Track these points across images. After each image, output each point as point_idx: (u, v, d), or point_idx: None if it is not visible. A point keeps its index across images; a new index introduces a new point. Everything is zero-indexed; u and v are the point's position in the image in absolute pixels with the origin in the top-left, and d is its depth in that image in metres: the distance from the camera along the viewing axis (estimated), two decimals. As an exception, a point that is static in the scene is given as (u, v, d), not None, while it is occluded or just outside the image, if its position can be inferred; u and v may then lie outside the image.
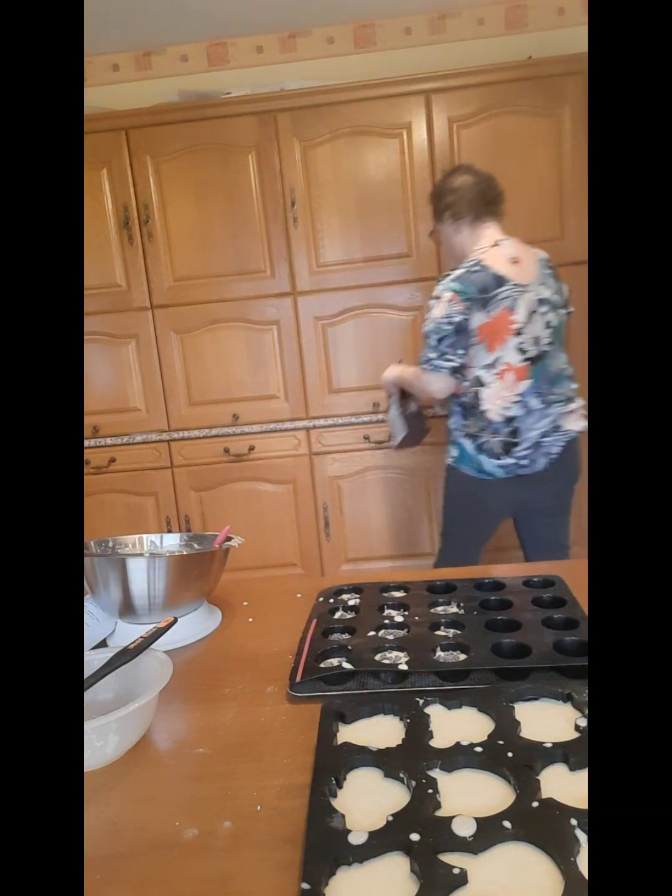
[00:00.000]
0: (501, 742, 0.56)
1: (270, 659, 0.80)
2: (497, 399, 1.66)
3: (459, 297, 1.60)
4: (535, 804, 0.48)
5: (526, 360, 1.64)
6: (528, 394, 1.65)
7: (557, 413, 1.68)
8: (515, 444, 1.67)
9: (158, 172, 2.47)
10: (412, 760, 0.54)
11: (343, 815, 0.49)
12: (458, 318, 1.61)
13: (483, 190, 1.69)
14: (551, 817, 0.47)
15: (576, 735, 0.57)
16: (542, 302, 1.66)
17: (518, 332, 1.63)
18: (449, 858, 0.44)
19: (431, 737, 0.58)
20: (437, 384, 1.68)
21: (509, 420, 1.66)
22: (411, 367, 1.81)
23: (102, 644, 0.88)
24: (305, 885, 0.43)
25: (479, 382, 1.67)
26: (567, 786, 0.51)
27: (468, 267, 1.63)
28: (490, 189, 1.70)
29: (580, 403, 1.73)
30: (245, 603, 1.00)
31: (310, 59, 2.70)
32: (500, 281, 1.61)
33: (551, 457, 1.68)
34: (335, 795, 0.52)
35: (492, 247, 1.66)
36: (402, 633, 0.81)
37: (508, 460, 1.68)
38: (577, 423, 1.71)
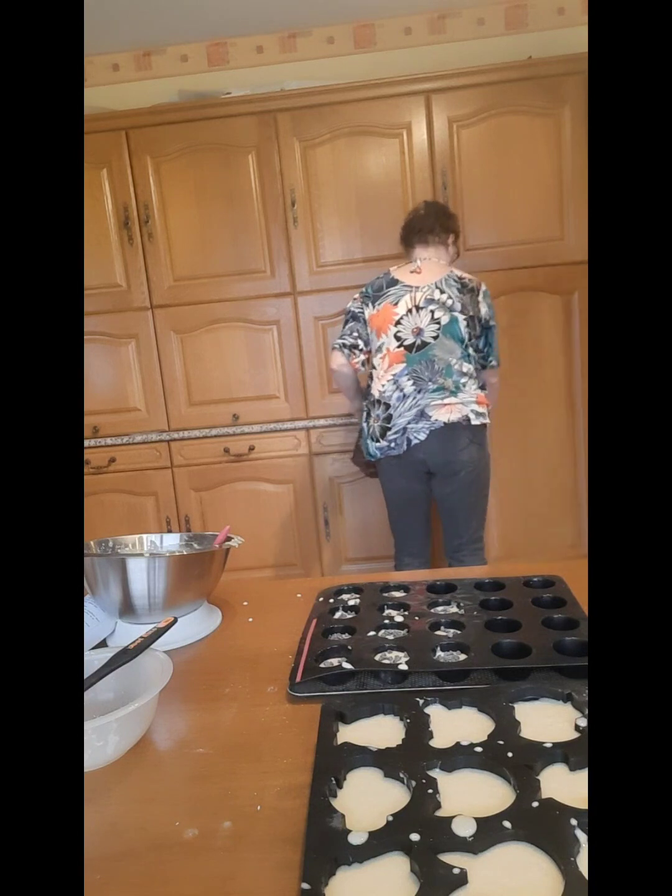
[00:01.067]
0: (501, 742, 0.56)
1: (270, 659, 0.80)
2: (378, 379, 1.97)
3: (360, 295, 2.03)
4: (535, 804, 0.48)
5: (401, 346, 1.92)
6: (402, 375, 1.92)
7: (429, 402, 1.89)
8: (388, 428, 1.95)
9: (158, 172, 2.47)
10: (412, 760, 0.54)
11: (343, 815, 0.49)
12: (354, 309, 2.02)
13: (412, 223, 2.03)
14: (551, 817, 0.47)
15: (576, 735, 0.57)
16: (430, 300, 1.92)
17: (397, 322, 1.93)
18: (449, 858, 0.44)
19: (431, 737, 0.58)
20: (335, 360, 2.03)
21: (387, 401, 1.94)
22: None
23: (102, 644, 0.88)
24: (305, 885, 0.43)
25: (373, 366, 2.01)
26: (567, 786, 0.51)
27: (377, 275, 2.02)
28: (420, 221, 2.02)
29: (463, 399, 1.90)
30: (245, 603, 1.00)
31: (310, 59, 2.70)
32: (392, 282, 1.97)
33: (416, 441, 1.92)
34: (335, 795, 0.52)
35: (407, 263, 2.02)
36: (402, 633, 0.81)
37: (383, 443, 1.96)
38: (447, 414, 1.89)
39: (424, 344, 1.91)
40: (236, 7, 2.48)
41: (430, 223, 2.00)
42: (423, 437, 1.90)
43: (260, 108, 2.41)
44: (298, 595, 1.01)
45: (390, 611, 0.89)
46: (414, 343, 1.91)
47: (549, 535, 2.58)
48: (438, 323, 1.91)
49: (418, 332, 1.91)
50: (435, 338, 1.90)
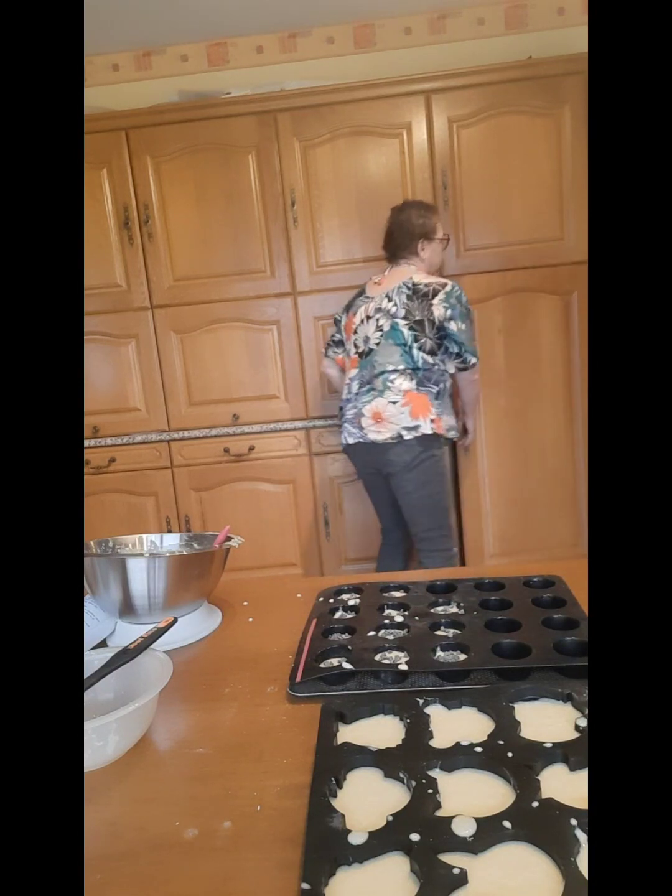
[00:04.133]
0: (501, 742, 0.56)
1: (270, 659, 0.80)
2: (345, 381, 2.21)
3: (344, 304, 2.28)
4: (535, 804, 0.48)
5: (356, 353, 2.15)
6: (353, 380, 2.15)
7: (363, 404, 2.08)
8: (343, 421, 2.18)
9: (158, 172, 2.47)
10: (412, 760, 0.54)
11: (343, 815, 0.49)
12: (336, 316, 2.31)
13: (384, 241, 2.17)
14: (551, 817, 0.47)
15: (576, 735, 0.57)
16: (378, 310, 2.09)
17: (355, 331, 2.16)
18: (449, 858, 0.44)
19: (431, 737, 0.58)
20: (322, 365, 2.39)
21: (346, 399, 2.18)
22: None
23: (102, 644, 0.88)
24: (305, 885, 0.43)
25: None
26: (567, 786, 0.51)
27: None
28: (386, 240, 2.15)
29: (389, 399, 2.03)
30: (245, 603, 1.00)
31: (310, 59, 2.70)
32: (360, 293, 2.20)
33: (345, 443, 2.16)
34: (335, 795, 0.52)
35: (380, 274, 2.19)
36: (402, 633, 0.81)
37: (342, 434, 2.20)
38: (376, 431, 2.05)
39: (370, 351, 2.09)
40: (236, 7, 2.48)
41: (392, 246, 2.14)
42: (351, 440, 2.12)
43: (260, 108, 2.41)
44: (298, 595, 1.01)
45: (390, 611, 0.89)
46: (363, 350, 2.12)
47: (547, 535, 2.58)
48: (381, 330, 2.07)
49: (366, 340, 2.10)
50: (377, 344, 2.08)
